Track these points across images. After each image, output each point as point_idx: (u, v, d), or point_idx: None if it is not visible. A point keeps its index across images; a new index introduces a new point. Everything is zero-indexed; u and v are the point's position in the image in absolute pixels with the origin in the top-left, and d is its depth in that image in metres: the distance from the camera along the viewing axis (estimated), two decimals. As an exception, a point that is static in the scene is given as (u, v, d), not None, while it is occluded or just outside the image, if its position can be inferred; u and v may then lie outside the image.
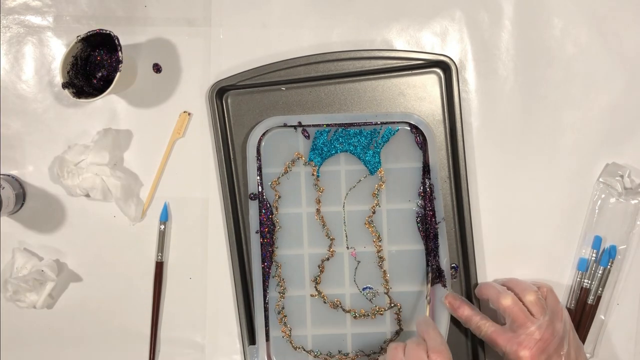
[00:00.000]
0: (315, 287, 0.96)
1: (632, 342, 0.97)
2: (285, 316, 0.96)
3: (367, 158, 0.96)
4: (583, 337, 0.96)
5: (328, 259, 0.96)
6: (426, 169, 0.95)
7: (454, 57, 0.97)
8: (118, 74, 0.90)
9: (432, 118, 0.97)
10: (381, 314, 0.96)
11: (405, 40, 0.98)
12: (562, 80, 0.98)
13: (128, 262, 0.99)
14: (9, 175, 0.98)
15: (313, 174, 0.96)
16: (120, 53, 0.90)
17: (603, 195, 0.96)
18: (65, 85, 0.91)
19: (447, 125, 0.97)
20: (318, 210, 0.96)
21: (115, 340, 0.99)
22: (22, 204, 0.98)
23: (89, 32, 0.91)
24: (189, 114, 0.98)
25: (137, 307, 0.99)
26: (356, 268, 0.96)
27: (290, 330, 0.96)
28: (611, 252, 0.95)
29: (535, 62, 0.98)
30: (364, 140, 0.96)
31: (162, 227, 0.98)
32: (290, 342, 0.96)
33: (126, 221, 0.98)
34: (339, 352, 0.96)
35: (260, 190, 0.96)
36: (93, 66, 0.96)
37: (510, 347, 0.85)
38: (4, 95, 0.99)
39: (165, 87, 0.98)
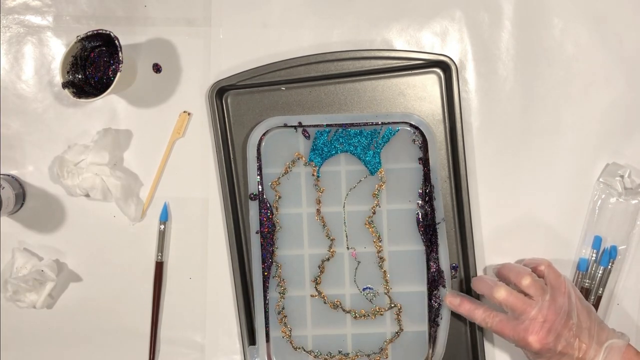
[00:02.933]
0: (315, 287, 0.96)
1: (632, 342, 0.96)
2: (286, 316, 0.96)
3: (367, 158, 0.96)
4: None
5: (328, 259, 0.96)
6: (427, 170, 0.95)
7: (454, 57, 0.97)
8: (118, 74, 0.90)
9: (432, 118, 0.97)
10: (381, 315, 0.96)
11: (405, 40, 0.98)
12: (562, 80, 0.98)
13: (128, 262, 0.99)
14: (9, 175, 0.98)
15: (313, 175, 0.96)
16: (120, 53, 0.90)
17: (603, 196, 0.96)
18: (65, 85, 0.91)
19: (447, 125, 0.97)
20: (318, 211, 0.96)
21: (115, 340, 0.99)
22: (22, 204, 0.98)
23: (89, 32, 0.91)
24: (189, 114, 0.98)
25: (137, 307, 0.99)
26: (356, 268, 0.96)
27: (290, 331, 0.96)
28: (612, 253, 0.95)
29: (535, 62, 0.98)
30: (364, 141, 0.96)
31: (162, 227, 0.98)
32: (291, 342, 0.96)
33: (126, 221, 0.98)
34: (339, 352, 0.96)
35: (260, 190, 0.96)
36: (93, 66, 0.96)
37: (517, 335, 0.85)
38: (4, 95, 0.98)
39: (165, 87, 0.98)
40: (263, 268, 0.95)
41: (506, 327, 0.86)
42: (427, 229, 0.95)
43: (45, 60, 0.99)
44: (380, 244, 0.96)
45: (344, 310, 0.96)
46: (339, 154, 0.96)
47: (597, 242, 0.96)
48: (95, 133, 0.97)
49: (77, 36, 0.92)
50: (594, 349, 0.84)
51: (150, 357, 0.98)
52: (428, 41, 0.98)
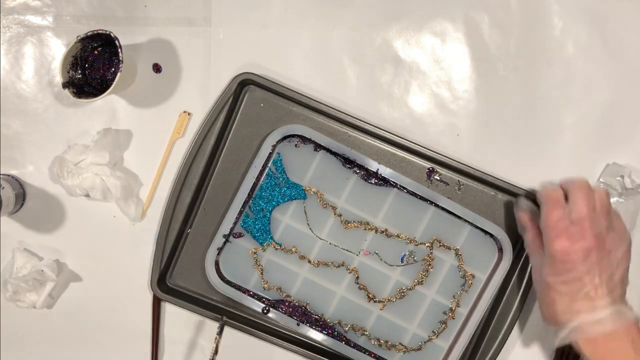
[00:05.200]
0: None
1: (632, 342, 0.97)
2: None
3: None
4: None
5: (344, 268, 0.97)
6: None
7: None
8: (118, 74, 0.89)
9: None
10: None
11: (405, 40, 0.98)
12: (562, 80, 0.98)
13: (128, 262, 0.99)
14: (9, 175, 0.98)
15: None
16: (120, 53, 0.90)
17: (603, 196, 0.96)
18: (65, 85, 0.91)
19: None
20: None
21: (115, 340, 0.99)
22: (22, 204, 0.98)
23: (89, 32, 0.91)
24: (189, 114, 0.98)
25: (137, 307, 0.99)
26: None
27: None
28: (611, 253, 0.95)
29: (535, 62, 0.98)
30: None
31: None
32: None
33: (126, 221, 0.98)
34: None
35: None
36: (93, 66, 0.96)
37: (556, 223, 0.84)
38: (4, 95, 0.98)
39: (165, 87, 0.98)
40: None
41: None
42: None
43: (45, 60, 0.99)
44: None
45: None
46: None
47: (597, 242, 0.96)
48: (95, 133, 0.97)
49: (77, 36, 0.92)
50: (604, 298, 0.82)
51: (152, 357, 0.98)
52: (428, 41, 0.98)
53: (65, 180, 0.95)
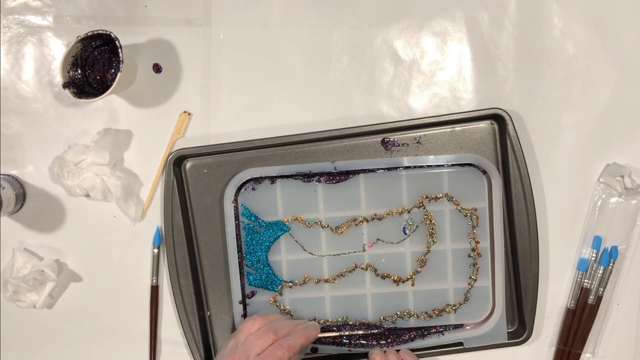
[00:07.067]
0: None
1: (632, 342, 0.97)
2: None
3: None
4: (583, 337, 0.96)
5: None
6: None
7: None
8: (119, 74, 0.89)
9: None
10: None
11: (405, 40, 0.98)
12: (562, 80, 0.98)
13: (128, 262, 0.99)
14: (9, 175, 0.98)
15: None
16: (120, 53, 0.90)
17: (604, 196, 0.96)
18: (65, 85, 0.91)
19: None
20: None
21: (115, 340, 0.99)
22: (22, 204, 0.98)
23: (89, 32, 0.91)
24: (189, 114, 0.98)
25: (137, 307, 0.99)
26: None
27: None
28: (612, 253, 0.95)
29: (535, 62, 0.98)
30: None
31: (156, 251, 0.98)
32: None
33: (126, 221, 0.98)
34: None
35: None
36: (93, 66, 0.96)
37: None
38: (4, 95, 0.98)
39: (165, 87, 0.98)
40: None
41: None
42: None
43: (46, 60, 0.99)
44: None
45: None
46: None
47: (597, 242, 0.96)
48: (96, 133, 0.97)
49: (78, 36, 0.92)
50: None
51: (150, 357, 0.98)
52: (428, 41, 0.98)
53: (66, 180, 0.95)
